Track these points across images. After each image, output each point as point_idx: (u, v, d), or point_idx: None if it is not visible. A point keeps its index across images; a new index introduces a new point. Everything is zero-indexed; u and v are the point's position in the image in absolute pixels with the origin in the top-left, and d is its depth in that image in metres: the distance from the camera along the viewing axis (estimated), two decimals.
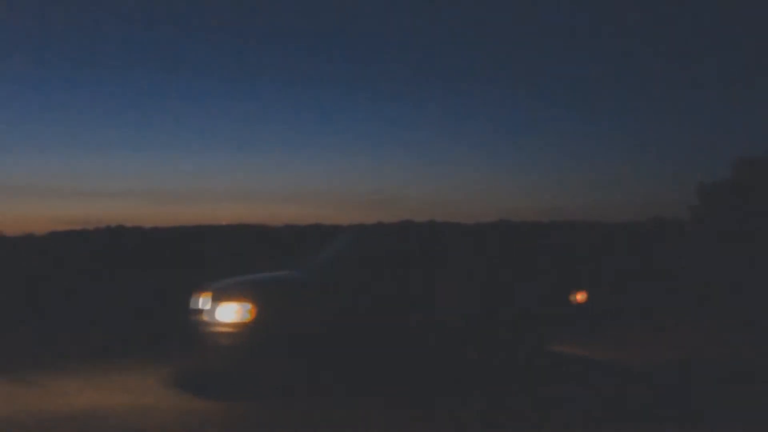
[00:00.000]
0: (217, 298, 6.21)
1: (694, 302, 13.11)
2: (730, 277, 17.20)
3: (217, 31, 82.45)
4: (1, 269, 22.50)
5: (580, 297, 7.34)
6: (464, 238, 7.60)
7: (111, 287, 17.71)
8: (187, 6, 77.11)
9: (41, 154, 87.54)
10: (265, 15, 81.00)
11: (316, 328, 6.08)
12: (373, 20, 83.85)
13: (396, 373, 6.75)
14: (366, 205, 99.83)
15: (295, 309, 6.19)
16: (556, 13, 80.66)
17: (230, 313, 6.00)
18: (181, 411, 5.58)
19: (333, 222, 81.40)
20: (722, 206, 39.58)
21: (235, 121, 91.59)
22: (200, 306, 6.52)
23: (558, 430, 4.91)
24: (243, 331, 5.93)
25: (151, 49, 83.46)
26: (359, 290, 6.40)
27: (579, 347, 8.26)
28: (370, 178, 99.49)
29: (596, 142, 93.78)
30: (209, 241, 59.38)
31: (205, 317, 6.28)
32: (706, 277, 17.84)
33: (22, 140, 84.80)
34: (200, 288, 6.82)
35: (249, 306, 5.95)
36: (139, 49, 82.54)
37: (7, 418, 5.45)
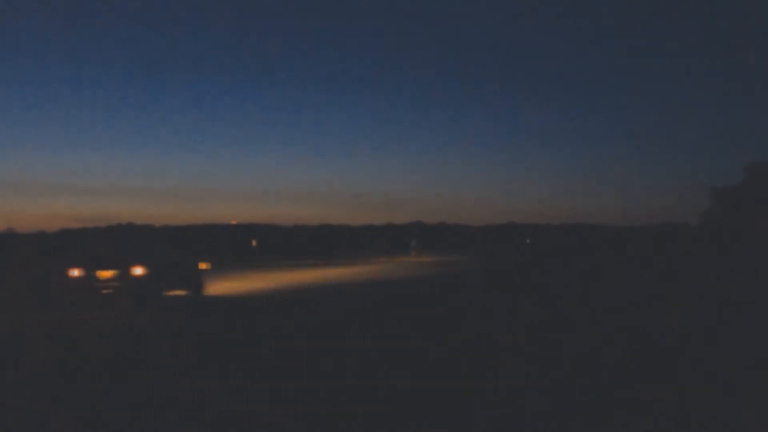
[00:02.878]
0: None
1: None
2: None
3: (231, 33, 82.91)
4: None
5: (204, 266, 15.26)
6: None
7: None
8: (201, 9, 77.64)
9: (52, 152, 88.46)
10: (284, 15, 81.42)
11: None
12: (389, 25, 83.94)
13: None
14: (377, 206, 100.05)
15: None
16: (570, 18, 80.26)
17: None
18: None
19: (342, 223, 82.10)
20: (734, 209, 39.31)
21: (248, 123, 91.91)
22: None
23: None
24: None
25: (165, 51, 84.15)
26: None
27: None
28: (381, 180, 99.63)
29: (606, 147, 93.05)
30: (220, 239, 60.22)
31: None
32: None
33: (34, 139, 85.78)
34: None
35: None
36: (153, 51, 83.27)
37: None
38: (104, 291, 13.06)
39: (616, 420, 4.59)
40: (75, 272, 13.23)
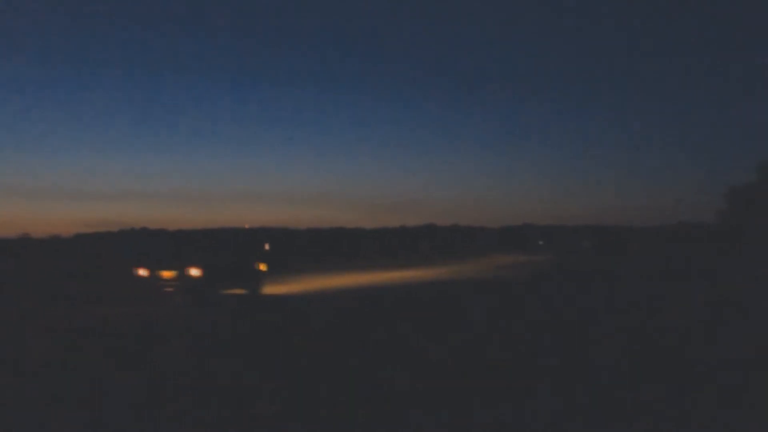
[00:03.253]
0: None
1: None
2: None
3: (246, 37, 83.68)
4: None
5: (263, 267, 16.67)
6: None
7: None
8: (213, 11, 78.42)
9: (66, 157, 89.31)
10: (293, 19, 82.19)
11: None
12: (402, 26, 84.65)
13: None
14: (390, 209, 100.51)
15: None
16: (582, 18, 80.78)
17: None
18: None
19: (356, 225, 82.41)
20: (751, 208, 39.73)
21: (260, 125, 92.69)
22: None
23: None
24: None
25: (175, 54, 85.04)
26: None
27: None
28: (394, 182, 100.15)
29: (620, 148, 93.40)
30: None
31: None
32: None
33: (48, 144, 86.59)
34: None
35: None
36: (165, 54, 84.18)
37: None
38: (166, 289, 14.66)
39: None
40: (141, 272, 14.91)
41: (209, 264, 14.99)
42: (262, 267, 16.50)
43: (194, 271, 14.76)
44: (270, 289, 17.61)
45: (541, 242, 61.65)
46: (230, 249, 17.25)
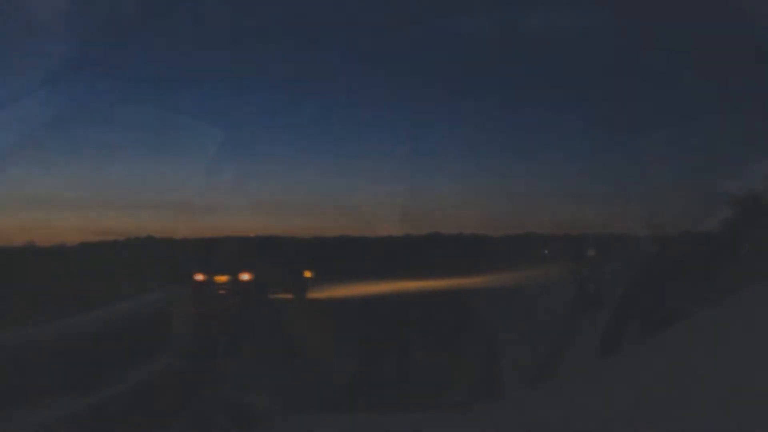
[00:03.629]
0: None
1: None
2: None
3: (249, 44, 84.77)
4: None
5: (308, 274, 16.85)
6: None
7: None
8: (216, 21, 79.49)
9: (72, 164, 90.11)
10: (296, 22, 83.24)
11: None
12: (403, 29, 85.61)
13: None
14: (392, 217, 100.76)
15: None
16: (586, 26, 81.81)
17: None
18: None
19: (360, 234, 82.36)
20: (754, 217, 40.19)
21: (264, 132, 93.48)
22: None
23: None
24: None
25: (181, 63, 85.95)
26: None
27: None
28: (396, 191, 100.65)
29: (621, 154, 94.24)
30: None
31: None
32: None
33: (53, 150, 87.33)
34: None
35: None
36: (168, 63, 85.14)
37: None
38: (220, 292, 15.88)
39: None
40: (199, 277, 16.17)
41: (259, 270, 16.40)
42: (308, 274, 17.85)
43: (245, 276, 16.15)
44: (313, 294, 18.80)
45: (546, 251, 62.17)
46: (279, 256, 18.55)
